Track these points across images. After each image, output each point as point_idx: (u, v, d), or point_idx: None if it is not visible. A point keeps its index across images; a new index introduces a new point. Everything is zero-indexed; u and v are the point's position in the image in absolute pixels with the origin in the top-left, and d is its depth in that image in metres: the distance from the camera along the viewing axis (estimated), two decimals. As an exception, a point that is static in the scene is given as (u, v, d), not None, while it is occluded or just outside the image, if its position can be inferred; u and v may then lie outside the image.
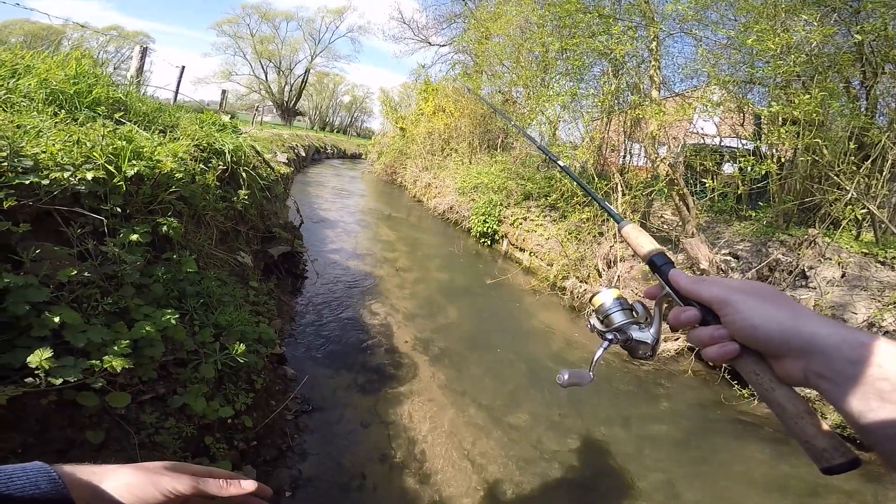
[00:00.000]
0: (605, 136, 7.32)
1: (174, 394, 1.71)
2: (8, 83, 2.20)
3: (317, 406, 2.65)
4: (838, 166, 4.31)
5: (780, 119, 4.60)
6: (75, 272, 1.48)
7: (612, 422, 3.01)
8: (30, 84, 2.26)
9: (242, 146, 3.66)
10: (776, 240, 4.72)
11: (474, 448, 2.55)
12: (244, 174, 3.47)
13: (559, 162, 1.02)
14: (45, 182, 1.54)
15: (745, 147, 5.54)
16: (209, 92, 39.25)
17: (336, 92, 50.83)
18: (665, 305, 0.61)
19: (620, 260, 5.04)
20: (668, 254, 0.62)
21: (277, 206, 4.76)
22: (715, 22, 5.39)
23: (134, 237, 1.75)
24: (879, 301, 3.62)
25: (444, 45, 20.77)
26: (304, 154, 16.95)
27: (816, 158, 4.49)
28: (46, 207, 1.57)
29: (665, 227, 5.98)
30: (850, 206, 4.05)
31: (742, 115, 6.10)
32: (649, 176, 6.26)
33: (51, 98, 2.30)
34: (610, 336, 0.65)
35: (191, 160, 2.63)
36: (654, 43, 5.47)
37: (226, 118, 4.49)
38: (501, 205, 8.01)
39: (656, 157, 5.41)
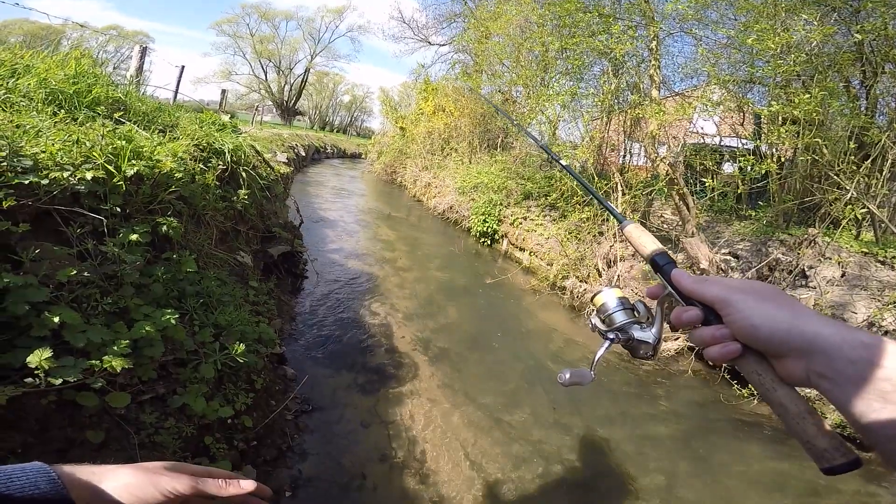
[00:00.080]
0: (604, 136, 7.32)
1: (174, 394, 1.71)
2: (7, 83, 2.20)
3: (317, 406, 2.65)
4: (838, 166, 4.31)
5: (780, 118, 4.60)
6: (75, 272, 1.48)
7: (612, 421, 3.01)
8: (29, 84, 2.26)
9: (242, 146, 3.66)
10: (776, 239, 4.72)
11: (474, 448, 2.55)
12: (244, 174, 3.47)
13: (561, 161, 1.01)
14: (45, 182, 1.53)
15: (745, 146, 5.55)
16: (209, 91, 39.29)
17: (336, 91, 50.84)
18: (667, 305, 0.61)
19: (620, 259, 5.04)
20: (669, 254, 0.62)
21: (277, 206, 4.76)
22: (715, 21, 5.40)
23: (134, 237, 1.75)
24: (879, 300, 3.62)
25: (443, 45, 20.77)
26: (303, 154, 16.94)
27: (816, 158, 4.49)
28: (46, 207, 1.57)
29: (665, 226, 5.98)
30: (849, 206, 4.05)
31: (742, 114, 6.11)
32: (649, 175, 6.26)
33: (50, 98, 2.29)
34: (611, 336, 0.65)
35: (190, 160, 2.63)
36: (654, 42, 5.47)
37: (225, 118, 4.49)
38: (501, 204, 8.01)
39: (656, 157, 5.41)
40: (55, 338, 1.34)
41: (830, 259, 4.13)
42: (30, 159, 1.55)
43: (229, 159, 3.23)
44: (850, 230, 4.85)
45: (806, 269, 4.08)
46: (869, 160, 4.28)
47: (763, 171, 4.42)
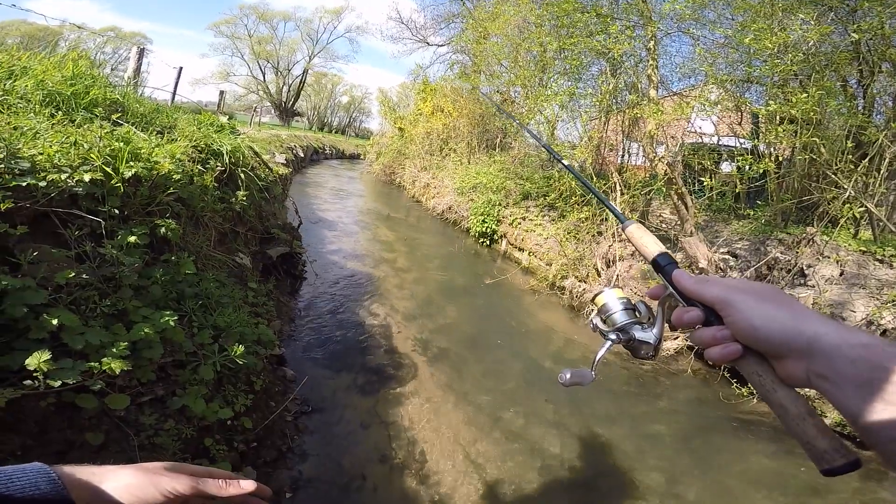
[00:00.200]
0: (603, 136, 7.33)
1: (173, 395, 1.70)
2: (5, 84, 2.19)
3: (316, 407, 2.65)
4: (836, 165, 4.32)
5: (777, 118, 4.61)
6: (73, 274, 1.47)
7: (612, 420, 3.01)
8: (27, 85, 2.25)
9: (240, 147, 3.66)
10: (774, 238, 4.73)
11: (474, 448, 2.55)
12: (242, 175, 3.46)
13: (563, 161, 1.02)
14: (43, 184, 1.53)
15: (743, 146, 5.56)
16: (207, 93, 39.15)
17: (334, 92, 50.80)
18: (668, 306, 0.61)
19: (619, 259, 5.04)
20: (671, 254, 0.62)
21: (276, 207, 4.75)
22: (712, 21, 5.41)
23: (132, 239, 1.74)
24: (878, 299, 3.63)
25: (442, 46, 20.77)
26: (302, 155, 16.93)
27: (814, 157, 4.50)
28: (44, 209, 1.57)
29: (664, 226, 5.99)
30: (847, 205, 4.06)
31: (740, 113, 6.12)
32: (648, 175, 6.26)
33: (48, 99, 2.29)
34: (612, 336, 0.65)
35: (189, 161, 2.62)
36: (652, 42, 5.47)
37: (224, 119, 4.49)
38: (500, 204, 8.01)
39: (654, 157, 5.42)
40: (54, 340, 1.33)
41: (829, 258, 4.14)
42: (27, 161, 1.54)
43: (227, 161, 3.23)
44: (849, 229, 4.86)
45: (804, 268, 4.09)
46: (866, 159, 4.29)
47: (761, 171, 4.42)
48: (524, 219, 7.31)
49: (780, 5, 4.36)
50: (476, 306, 4.96)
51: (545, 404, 3.08)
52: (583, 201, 6.04)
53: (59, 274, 1.44)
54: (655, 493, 2.42)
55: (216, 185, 2.90)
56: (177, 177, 2.18)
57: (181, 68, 6.64)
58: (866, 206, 4.25)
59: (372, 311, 4.21)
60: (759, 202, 5.80)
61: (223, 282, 2.55)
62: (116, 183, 1.83)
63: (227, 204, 3.05)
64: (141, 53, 5.18)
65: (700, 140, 6.69)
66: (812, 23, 4.18)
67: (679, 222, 5.19)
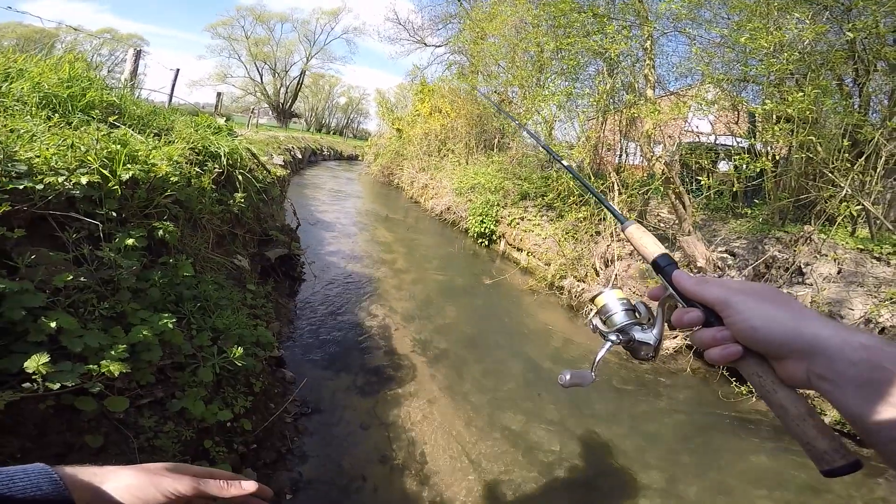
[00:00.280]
0: (600, 136, 7.35)
1: (173, 398, 1.70)
2: (1, 87, 2.18)
3: (316, 408, 2.65)
4: (832, 163, 4.34)
5: (774, 117, 4.63)
6: (71, 277, 1.47)
7: (612, 420, 3.02)
8: (23, 88, 2.24)
9: (238, 149, 3.65)
10: (772, 237, 4.74)
11: (474, 448, 2.55)
12: (240, 177, 3.45)
13: (563, 162, 1.02)
14: (40, 187, 1.52)
15: (740, 145, 5.58)
16: (204, 94, 39.09)
17: (332, 94, 50.79)
18: (668, 306, 0.61)
19: (618, 258, 5.05)
20: (671, 255, 0.62)
21: (274, 209, 4.74)
22: (708, 20, 5.44)
23: (130, 241, 1.74)
24: (875, 297, 3.64)
25: (439, 46, 20.83)
26: (300, 156, 16.91)
27: (811, 156, 4.52)
28: (41, 212, 1.56)
29: (662, 225, 6.00)
30: (844, 203, 4.08)
31: (736, 113, 6.14)
32: (645, 174, 6.28)
33: (44, 102, 2.28)
34: (612, 337, 0.65)
35: (186, 163, 2.61)
36: (649, 42, 5.49)
37: (221, 121, 4.48)
38: (498, 205, 8.02)
39: (652, 156, 5.43)
40: (52, 343, 1.33)
41: (826, 256, 4.16)
42: (24, 164, 1.54)
43: (225, 162, 3.22)
44: (846, 227, 4.88)
45: (802, 267, 4.11)
46: (863, 157, 4.31)
47: (758, 169, 4.44)
48: (522, 219, 7.32)
49: (776, 4, 4.38)
50: (475, 306, 4.96)
51: (545, 404, 3.08)
52: (581, 201, 6.04)
53: (57, 277, 1.44)
54: (655, 492, 2.42)
55: (214, 187, 2.90)
56: (174, 179, 2.18)
57: (178, 70, 6.63)
58: (863, 204, 4.27)
59: (371, 311, 4.21)
60: (757, 201, 5.82)
61: (222, 284, 2.55)
62: (114, 185, 1.82)
63: (224, 206, 3.05)
64: (137, 55, 5.16)
65: (697, 139, 6.72)
66: (807, 22, 4.20)
67: (677, 221, 5.21)
